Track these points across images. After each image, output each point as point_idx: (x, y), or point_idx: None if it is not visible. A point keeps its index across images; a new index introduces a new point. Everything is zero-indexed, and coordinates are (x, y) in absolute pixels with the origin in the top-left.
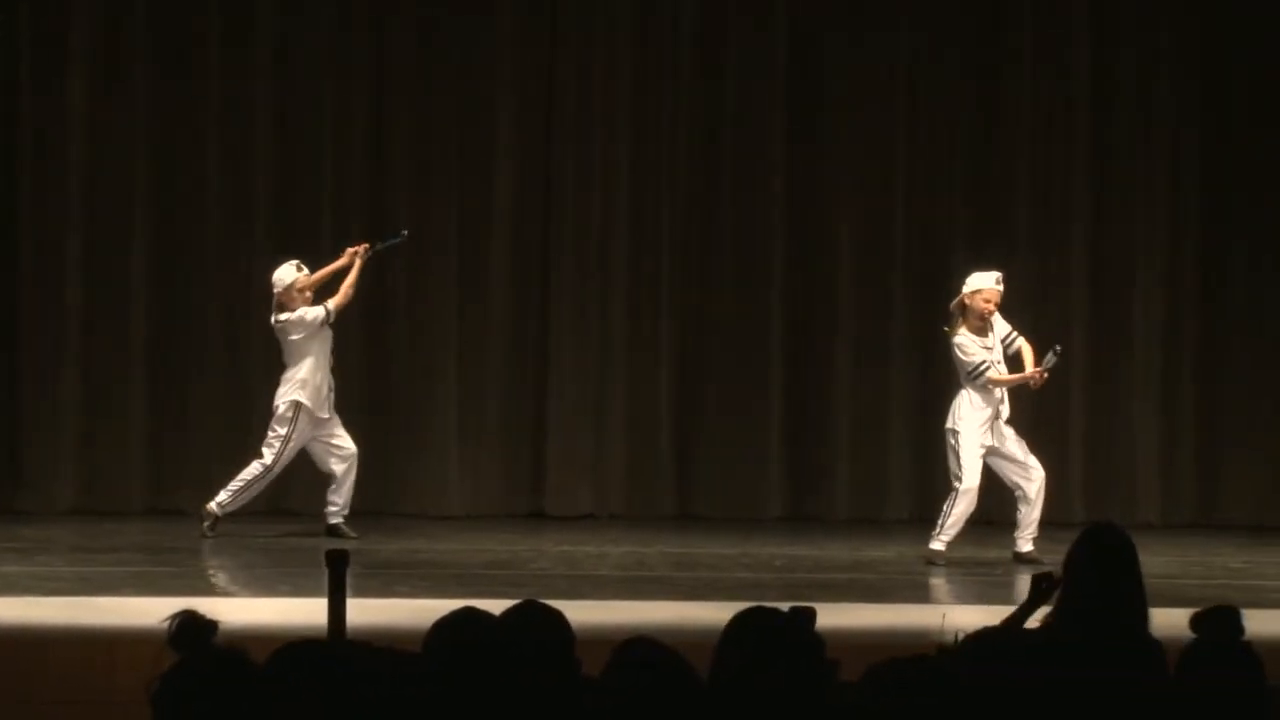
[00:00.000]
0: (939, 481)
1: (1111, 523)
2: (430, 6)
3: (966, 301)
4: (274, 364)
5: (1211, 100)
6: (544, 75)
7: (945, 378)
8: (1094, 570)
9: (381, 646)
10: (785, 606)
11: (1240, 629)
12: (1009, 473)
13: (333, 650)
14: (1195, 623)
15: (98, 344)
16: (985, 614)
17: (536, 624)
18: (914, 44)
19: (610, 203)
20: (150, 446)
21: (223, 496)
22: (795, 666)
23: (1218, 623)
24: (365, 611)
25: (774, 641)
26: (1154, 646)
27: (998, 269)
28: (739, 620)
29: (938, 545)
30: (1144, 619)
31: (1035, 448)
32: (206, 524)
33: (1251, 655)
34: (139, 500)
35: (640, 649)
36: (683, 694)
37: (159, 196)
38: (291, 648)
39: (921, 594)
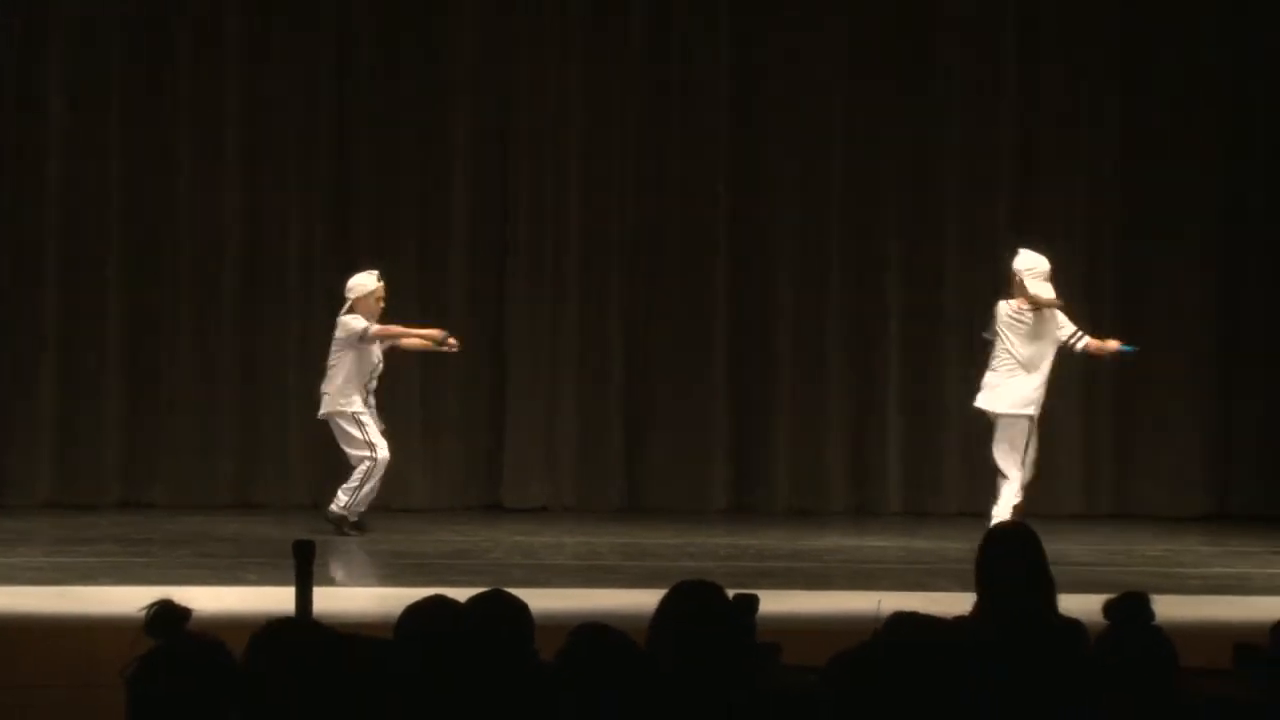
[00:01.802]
0: (876, 475)
1: (1013, 521)
2: (394, 24)
3: None
4: (246, 364)
5: (1131, 104)
6: (502, 89)
7: (881, 376)
8: (1009, 568)
9: (348, 632)
10: (730, 594)
11: (1150, 614)
12: None
13: (310, 635)
14: (1107, 610)
15: (74, 346)
16: (920, 600)
17: (500, 613)
18: (850, 44)
19: (563, 209)
20: (124, 444)
21: None
22: (721, 634)
23: (1128, 609)
24: (330, 599)
25: (703, 611)
26: (1072, 625)
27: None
28: (671, 595)
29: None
30: (1052, 602)
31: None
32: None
33: (1162, 639)
34: (113, 494)
35: (592, 634)
36: (633, 677)
37: (134, 205)
38: (272, 626)
39: (858, 582)
